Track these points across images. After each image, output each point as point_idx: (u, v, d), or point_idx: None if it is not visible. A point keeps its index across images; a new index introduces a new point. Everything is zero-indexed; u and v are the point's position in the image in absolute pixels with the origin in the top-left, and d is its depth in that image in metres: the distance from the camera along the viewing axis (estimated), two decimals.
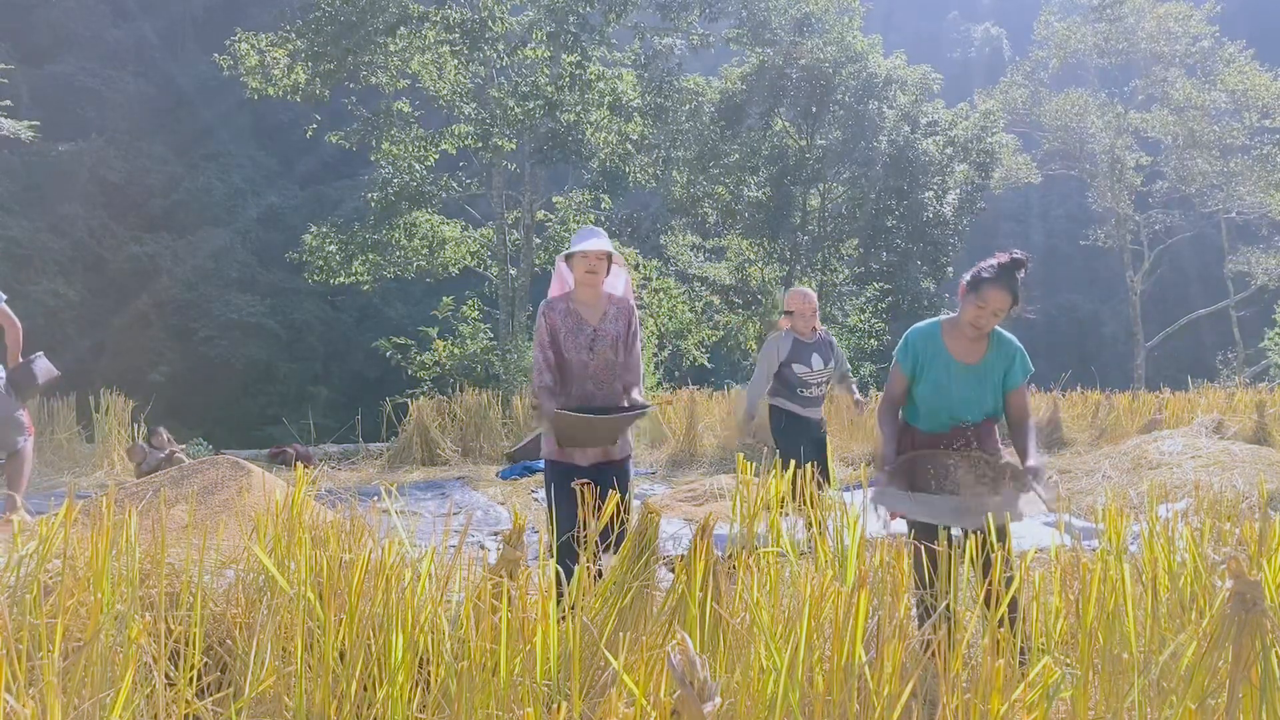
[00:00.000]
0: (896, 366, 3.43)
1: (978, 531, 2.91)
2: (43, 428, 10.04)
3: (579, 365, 3.94)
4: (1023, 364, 3.41)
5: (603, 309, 4.00)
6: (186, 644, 2.27)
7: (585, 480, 3.02)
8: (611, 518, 2.86)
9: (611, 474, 3.87)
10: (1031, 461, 3.20)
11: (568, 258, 3.99)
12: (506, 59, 17.06)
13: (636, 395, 4.02)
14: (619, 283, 4.14)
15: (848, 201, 22.04)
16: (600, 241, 3.91)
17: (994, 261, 3.29)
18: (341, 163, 29.83)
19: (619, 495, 2.90)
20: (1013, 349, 3.41)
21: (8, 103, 13.66)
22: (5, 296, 5.79)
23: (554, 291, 4.10)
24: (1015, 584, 2.45)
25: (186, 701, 2.20)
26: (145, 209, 30.01)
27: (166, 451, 7.62)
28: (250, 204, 32.05)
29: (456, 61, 16.77)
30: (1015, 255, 3.27)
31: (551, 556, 3.37)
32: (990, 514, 2.89)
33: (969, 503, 3.10)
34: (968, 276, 3.35)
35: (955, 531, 3.18)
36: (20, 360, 5.69)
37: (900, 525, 3.33)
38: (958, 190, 21.74)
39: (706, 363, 20.06)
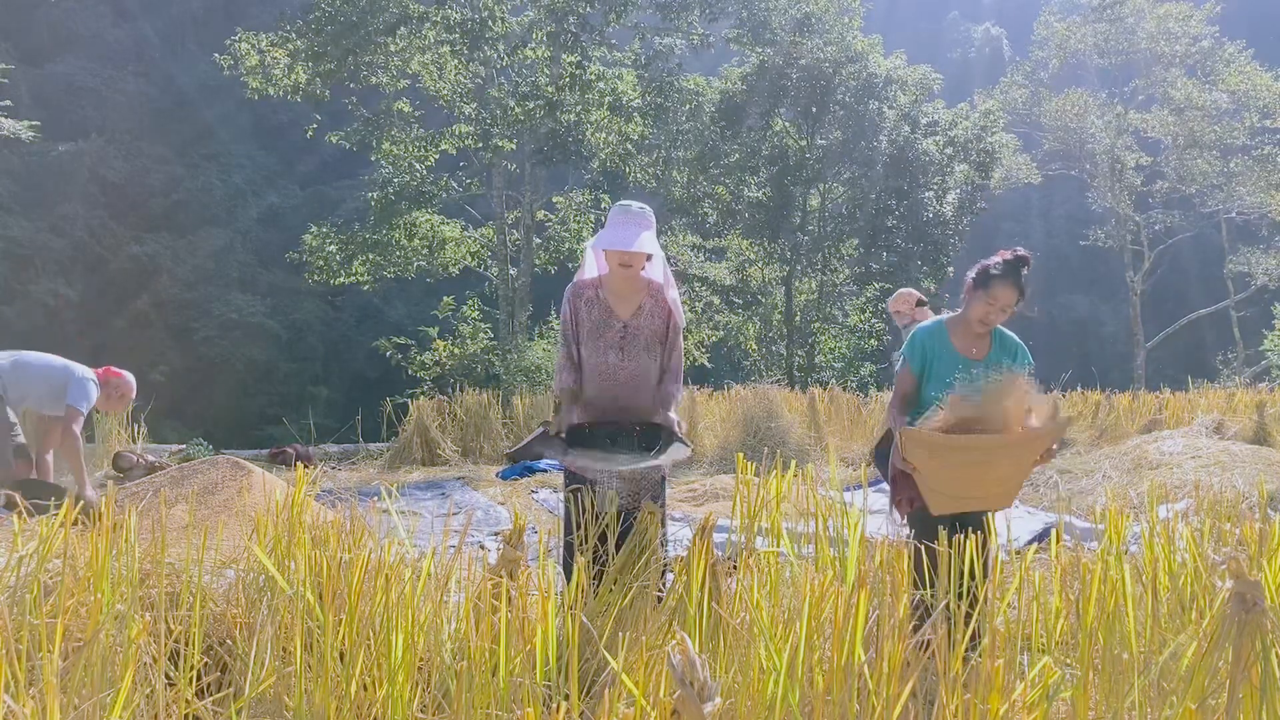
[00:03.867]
0: (905, 366, 3.47)
1: (978, 531, 2.90)
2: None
3: (605, 368, 3.36)
4: (1024, 359, 3.49)
5: (638, 301, 3.39)
6: (186, 644, 2.27)
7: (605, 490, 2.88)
8: (639, 538, 2.76)
9: (639, 499, 3.27)
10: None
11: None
12: (506, 59, 17.07)
13: (673, 414, 3.37)
14: (658, 269, 3.50)
15: (848, 201, 22.03)
16: (643, 240, 3.28)
17: (999, 259, 3.35)
18: (341, 163, 29.83)
19: (652, 512, 2.81)
20: (1014, 344, 3.50)
21: (8, 103, 13.67)
22: (76, 404, 5.14)
23: (585, 275, 3.51)
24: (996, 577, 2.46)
25: (186, 701, 2.20)
26: (145, 209, 30.01)
27: (146, 464, 7.61)
28: (250, 204, 32.05)
29: (456, 61, 16.77)
30: (1019, 252, 3.33)
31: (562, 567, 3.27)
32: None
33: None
34: (973, 274, 3.39)
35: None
36: (77, 487, 5.08)
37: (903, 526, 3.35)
38: (958, 190, 21.73)
39: (706, 363, 20.06)
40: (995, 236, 32.84)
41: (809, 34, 20.45)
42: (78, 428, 5.26)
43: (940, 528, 2.71)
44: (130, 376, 5.69)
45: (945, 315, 3.55)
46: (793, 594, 2.41)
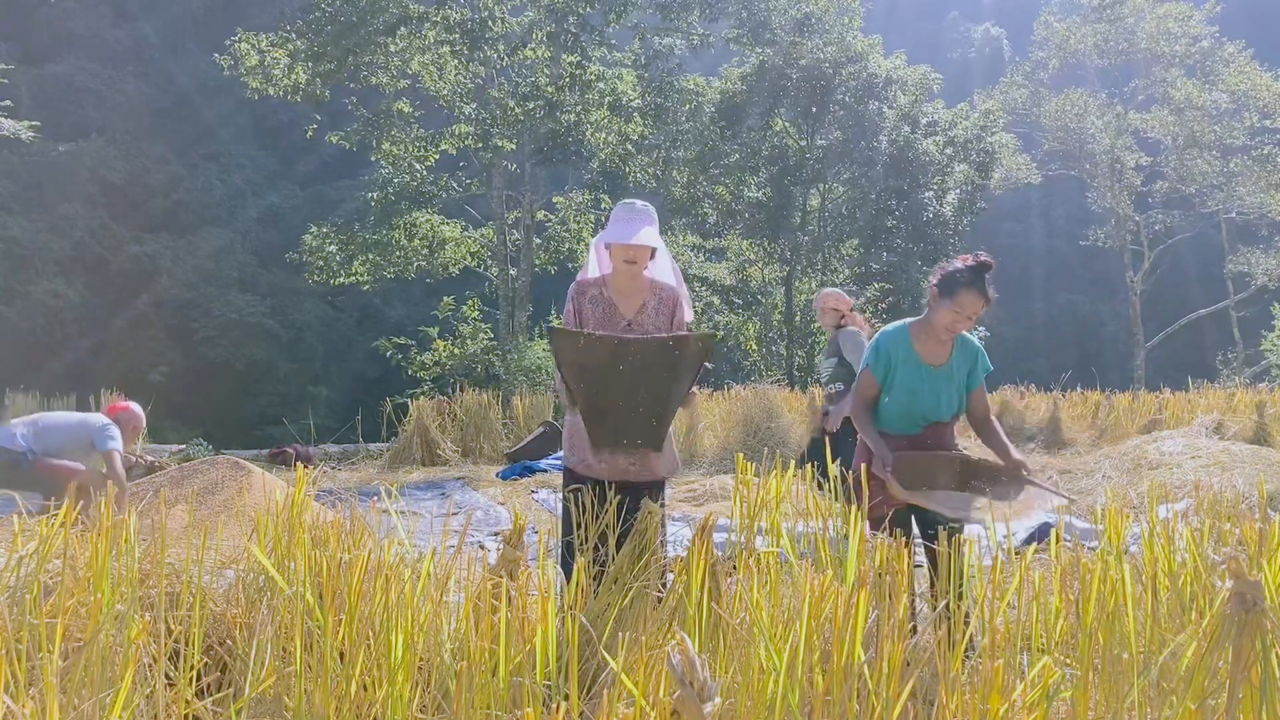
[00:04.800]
0: (867, 371, 3.46)
1: (961, 528, 2.92)
2: None
3: None
4: (983, 364, 3.50)
5: (642, 299, 3.41)
6: (186, 644, 2.27)
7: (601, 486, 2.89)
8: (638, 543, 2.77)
9: (642, 495, 3.14)
10: (1016, 455, 3.28)
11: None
12: (506, 59, 17.08)
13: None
14: (664, 266, 3.51)
15: (848, 201, 22.04)
16: (645, 234, 3.31)
17: (963, 266, 3.32)
18: (341, 163, 29.84)
19: (654, 513, 2.82)
20: (974, 349, 3.49)
21: (8, 103, 13.68)
22: (110, 448, 5.25)
23: (588, 274, 3.51)
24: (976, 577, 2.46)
25: (186, 701, 2.20)
26: (145, 209, 30.01)
27: (145, 464, 7.61)
28: (250, 204, 32.06)
29: (456, 62, 16.78)
30: (982, 258, 3.31)
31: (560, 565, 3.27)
32: (1008, 507, 2.94)
33: (984, 499, 3.13)
34: (937, 281, 3.37)
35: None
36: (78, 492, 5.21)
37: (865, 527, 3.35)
38: (958, 190, 21.73)
39: (706, 363, 20.04)
40: (995, 236, 32.88)
41: (809, 34, 20.45)
42: (120, 468, 5.32)
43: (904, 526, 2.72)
44: (136, 406, 5.79)
45: (908, 320, 3.54)
46: (793, 594, 2.41)
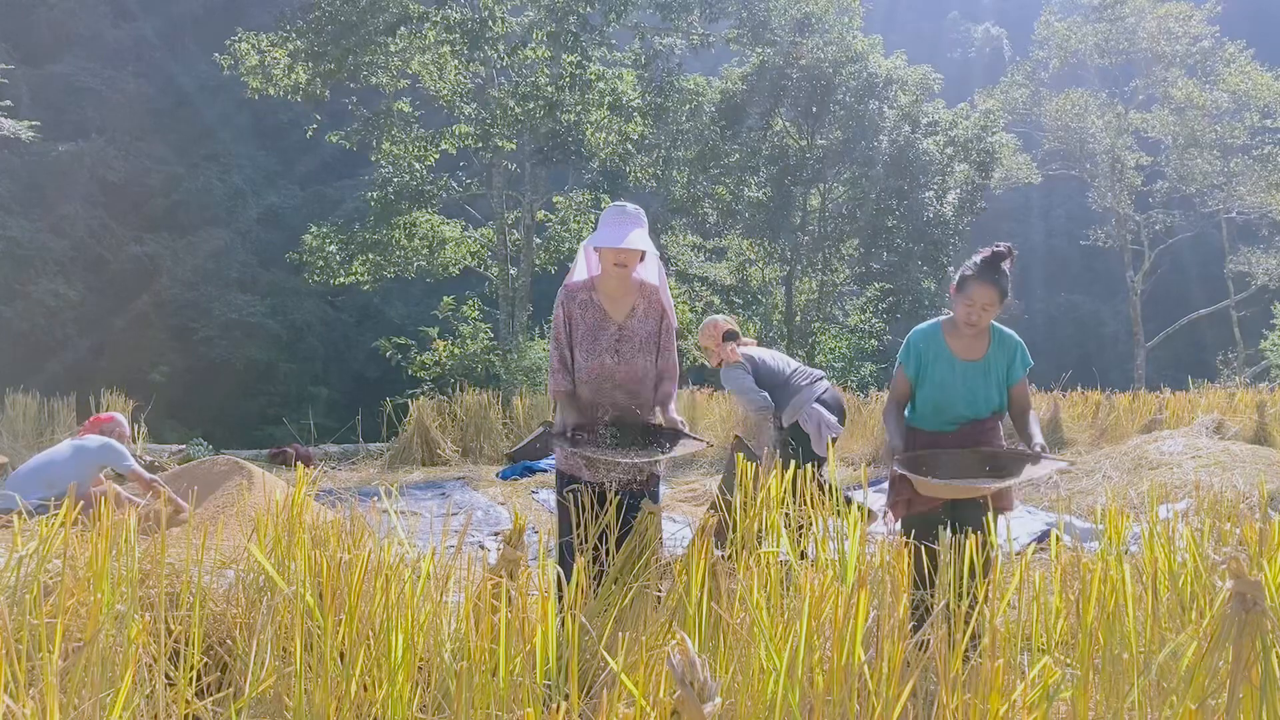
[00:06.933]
0: (900, 369, 3.49)
1: (978, 531, 2.91)
2: (42, 428, 10.04)
3: (601, 370, 3.35)
4: (1023, 358, 3.47)
5: (631, 303, 3.39)
6: (186, 644, 2.27)
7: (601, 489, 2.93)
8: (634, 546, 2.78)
9: (640, 496, 3.26)
10: (1037, 439, 3.27)
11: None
12: (506, 59, 17.08)
13: (674, 413, 3.37)
14: (651, 269, 3.50)
15: (848, 201, 22.03)
16: (635, 237, 3.29)
17: (977, 258, 3.33)
18: (341, 163, 29.82)
19: (652, 512, 2.84)
20: (1013, 343, 3.47)
21: (8, 103, 13.67)
22: (128, 468, 5.25)
23: (575, 277, 3.49)
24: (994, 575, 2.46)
25: (186, 701, 2.20)
26: (145, 209, 29.98)
27: (145, 464, 7.61)
28: (250, 204, 32.01)
29: (456, 62, 16.78)
30: (997, 248, 3.31)
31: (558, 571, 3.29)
32: (1005, 480, 2.98)
33: (986, 478, 3.16)
34: (956, 276, 3.39)
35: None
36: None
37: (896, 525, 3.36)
38: (958, 190, 21.72)
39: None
40: (995, 236, 32.67)
41: (809, 34, 20.44)
42: (147, 474, 5.30)
43: (940, 527, 2.72)
44: (117, 415, 5.75)
45: (943, 316, 3.55)
46: (793, 594, 2.41)
